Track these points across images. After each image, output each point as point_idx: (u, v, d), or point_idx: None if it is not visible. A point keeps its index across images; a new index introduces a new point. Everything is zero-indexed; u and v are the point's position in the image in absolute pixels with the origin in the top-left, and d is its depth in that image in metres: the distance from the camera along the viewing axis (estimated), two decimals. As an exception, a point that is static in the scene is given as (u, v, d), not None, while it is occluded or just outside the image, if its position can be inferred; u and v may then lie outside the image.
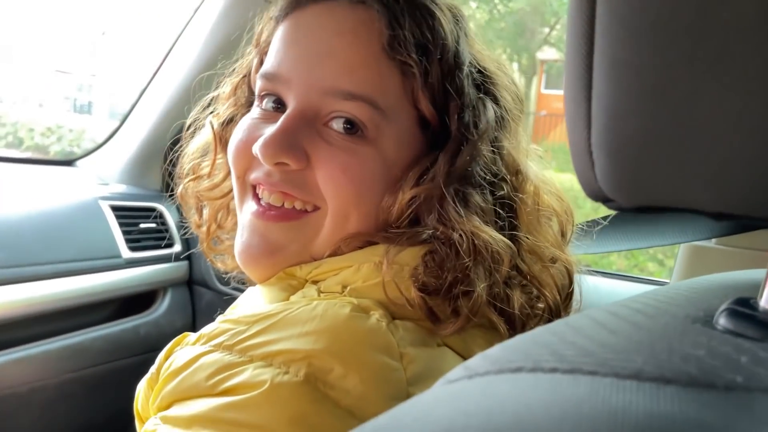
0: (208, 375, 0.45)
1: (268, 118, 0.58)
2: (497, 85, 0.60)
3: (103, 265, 1.37)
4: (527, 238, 0.57)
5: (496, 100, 0.59)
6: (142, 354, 1.47)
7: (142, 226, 1.50)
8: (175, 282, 1.54)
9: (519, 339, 0.31)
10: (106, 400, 1.46)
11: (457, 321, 0.50)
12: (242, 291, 1.48)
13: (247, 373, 0.43)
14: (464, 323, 0.51)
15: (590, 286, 0.67)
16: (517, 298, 0.54)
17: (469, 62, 0.58)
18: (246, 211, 0.60)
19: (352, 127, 0.55)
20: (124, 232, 1.45)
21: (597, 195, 0.33)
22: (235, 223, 0.64)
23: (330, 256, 0.57)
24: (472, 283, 0.51)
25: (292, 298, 0.53)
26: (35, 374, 1.26)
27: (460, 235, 0.52)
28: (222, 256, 0.71)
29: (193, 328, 1.56)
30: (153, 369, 0.52)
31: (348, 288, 0.51)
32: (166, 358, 0.51)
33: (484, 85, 0.59)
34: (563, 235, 0.62)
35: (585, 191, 0.34)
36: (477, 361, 0.29)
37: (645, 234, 0.83)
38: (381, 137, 0.55)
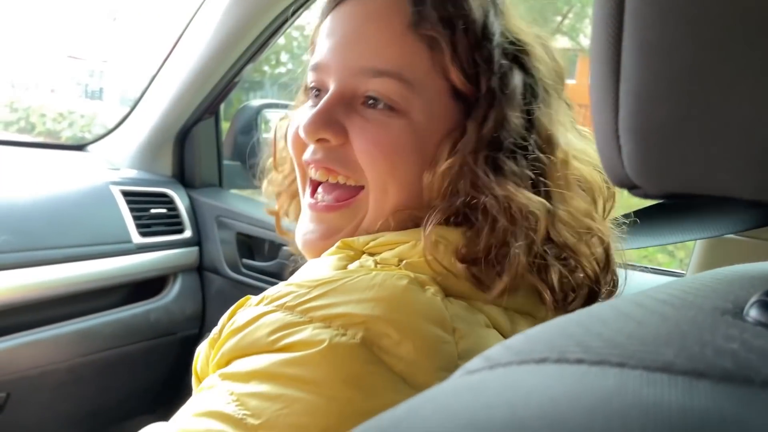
0: (269, 332, 0.46)
1: (315, 106, 0.62)
2: (530, 55, 0.61)
3: (114, 250, 1.37)
4: (559, 205, 0.57)
5: (526, 70, 0.60)
6: (152, 339, 1.47)
7: (153, 211, 1.50)
8: (185, 268, 1.54)
9: (542, 329, 0.30)
10: (116, 383, 1.47)
11: (501, 281, 0.52)
12: (253, 278, 1.48)
13: (307, 332, 0.45)
14: (509, 283, 0.52)
15: None
16: (555, 266, 0.55)
17: (501, 33, 0.59)
18: (305, 202, 0.65)
19: (383, 103, 0.58)
20: (135, 218, 1.44)
21: (623, 181, 0.32)
22: (300, 211, 0.68)
23: (382, 230, 0.59)
24: (509, 244, 0.53)
25: (350, 267, 0.54)
26: (46, 358, 1.27)
27: (494, 200, 0.54)
28: (291, 241, 0.74)
29: (204, 315, 1.57)
30: (215, 330, 0.54)
31: (404, 262, 0.53)
32: (230, 318, 0.52)
33: (517, 56, 0.60)
34: (602, 208, 0.62)
35: (609, 177, 0.33)
36: (498, 350, 0.28)
37: (661, 231, 0.82)
38: (412, 109, 0.58)
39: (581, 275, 0.57)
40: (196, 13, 1.46)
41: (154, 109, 1.57)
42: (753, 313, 0.28)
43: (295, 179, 0.70)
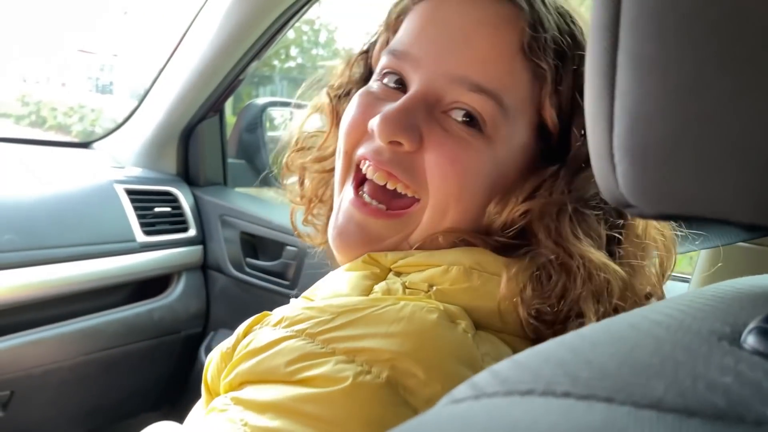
0: (288, 361, 0.43)
1: (387, 95, 0.57)
2: None
3: (118, 249, 1.37)
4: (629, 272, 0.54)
5: None
6: (155, 338, 1.47)
7: (157, 210, 1.50)
8: (189, 266, 1.54)
9: (531, 354, 0.29)
10: (120, 382, 1.47)
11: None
12: (256, 278, 1.48)
13: (329, 366, 0.42)
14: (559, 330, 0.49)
15: None
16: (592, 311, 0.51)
17: None
18: (345, 195, 0.59)
19: (471, 120, 0.53)
20: (139, 216, 1.44)
21: (618, 200, 0.31)
22: (332, 200, 0.63)
23: (420, 247, 0.56)
24: (582, 313, 0.49)
25: (376, 288, 0.51)
26: (50, 356, 1.27)
27: (577, 258, 0.50)
28: (312, 230, 0.71)
29: (207, 313, 1.57)
30: (229, 343, 0.50)
31: (434, 288, 0.49)
32: (245, 334, 0.49)
33: None
34: (662, 272, 0.59)
35: (605, 195, 0.32)
36: (485, 378, 0.28)
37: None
38: (498, 136, 0.54)
39: None
40: (200, 10, 1.45)
41: (159, 106, 1.57)
42: (750, 340, 0.27)
43: (328, 168, 0.66)
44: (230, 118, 1.72)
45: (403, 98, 0.54)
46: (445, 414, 0.25)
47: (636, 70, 0.29)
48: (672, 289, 1.03)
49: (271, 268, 1.47)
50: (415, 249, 0.55)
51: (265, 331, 0.47)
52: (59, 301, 1.28)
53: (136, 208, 1.44)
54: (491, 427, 0.23)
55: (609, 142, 0.30)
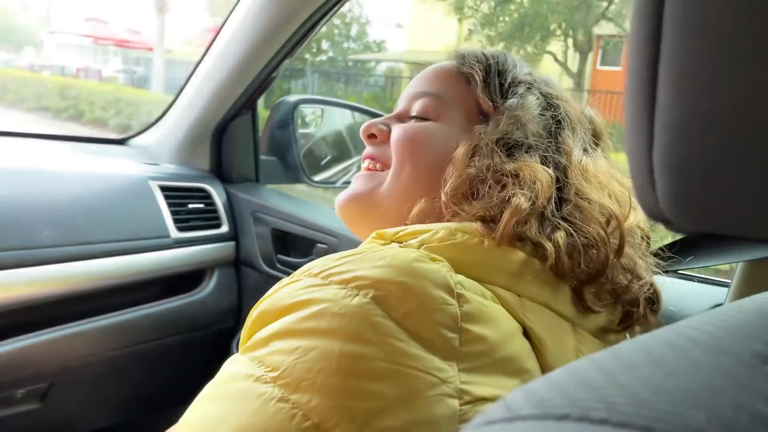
0: (293, 291, 0.53)
1: None
2: (558, 98, 0.73)
3: (153, 244, 1.39)
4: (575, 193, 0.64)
5: (549, 105, 0.71)
6: (188, 332, 1.50)
7: (191, 206, 1.52)
8: (222, 262, 1.56)
9: (565, 373, 0.29)
10: (155, 374, 1.50)
11: (503, 220, 0.59)
12: (287, 274, 1.49)
13: (324, 291, 0.51)
14: (510, 219, 0.59)
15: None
16: (560, 236, 0.60)
17: (530, 81, 0.73)
18: None
19: (421, 114, 0.74)
20: (173, 212, 1.46)
21: (657, 216, 0.31)
22: None
23: (418, 222, 0.66)
24: (514, 196, 0.61)
25: None
26: (87, 349, 1.30)
27: (504, 176, 0.63)
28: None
29: (239, 309, 1.58)
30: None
31: (424, 246, 0.59)
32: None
33: (536, 87, 0.73)
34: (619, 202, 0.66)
35: (644, 211, 0.32)
36: (519, 399, 0.27)
37: (701, 251, 0.79)
38: (442, 118, 0.72)
39: (593, 251, 0.60)
40: (233, 8, 1.46)
41: (193, 104, 1.59)
42: (795, 366, 0.26)
43: None
44: (263, 112, 1.73)
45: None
46: (479, 436, 0.25)
47: (677, 86, 0.28)
48: (708, 293, 1.01)
49: (302, 265, 1.48)
50: (413, 223, 0.66)
51: (280, 284, 0.56)
52: (96, 295, 1.31)
53: (170, 205, 1.47)
54: (525, 453, 0.23)
55: (649, 159, 0.30)
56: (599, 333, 0.64)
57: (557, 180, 0.64)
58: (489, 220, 0.61)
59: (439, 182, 0.67)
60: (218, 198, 1.58)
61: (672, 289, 0.71)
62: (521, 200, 0.59)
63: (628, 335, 0.66)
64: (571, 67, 11.67)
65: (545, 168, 0.63)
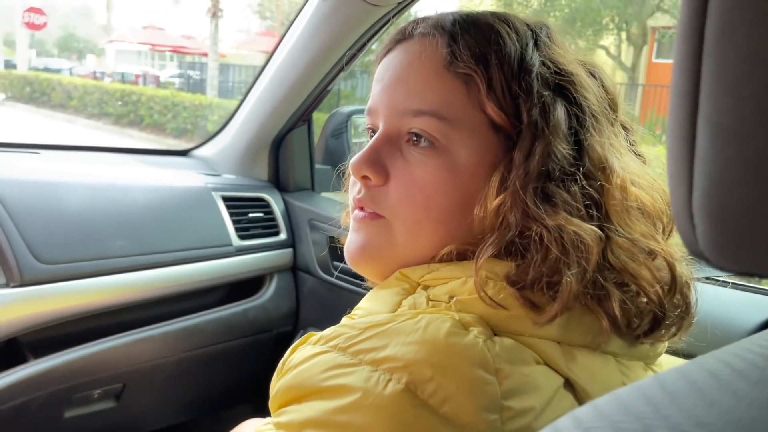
0: (322, 371, 0.50)
1: None
2: (576, 84, 0.62)
3: (216, 253, 1.47)
4: (617, 230, 0.57)
5: (571, 100, 0.61)
6: (250, 336, 1.56)
7: (251, 215, 1.58)
8: (280, 268, 1.62)
9: (610, 401, 0.31)
10: (219, 376, 1.57)
11: (553, 307, 0.53)
12: (343, 280, 1.53)
13: (356, 375, 0.48)
14: (560, 309, 0.53)
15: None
16: (615, 293, 0.55)
17: (542, 64, 0.61)
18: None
19: (424, 140, 0.61)
20: (234, 222, 1.53)
21: (699, 256, 0.33)
22: None
23: (444, 262, 0.61)
24: (561, 272, 0.53)
25: (404, 303, 0.58)
26: (156, 352, 1.38)
27: (545, 230, 0.55)
28: None
29: (297, 313, 1.64)
30: (281, 363, 0.57)
31: (454, 299, 0.55)
32: (291, 353, 0.56)
33: (561, 85, 0.61)
34: (663, 230, 0.62)
35: (687, 250, 0.34)
36: (567, 424, 0.30)
37: None
38: (451, 144, 0.60)
39: (644, 300, 0.57)
40: (291, 24, 1.51)
41: (252, 118, 1.65)
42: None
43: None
44: (322, 116, 1.77)
45: (371, 141, 0.64)
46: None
47: (715, 137, 0.30)
48: (757, 303, 0.99)
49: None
50: (440, 263, 0.61)
51: (305, 349, 0.54)
52: (164, 301, 1.39)
53: (231, 214, 1.53)
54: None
55: (689, 203, 0.32)
56: (638, 352, 0.61)
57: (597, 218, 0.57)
58: (526, 286, 0.54)
59: (463, 222, 0.60)
60: (276, 207, 1.65)
61: (716, 298, 0.69)
62: (572, 282, 0.53)
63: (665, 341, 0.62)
64: (625, 61, 11.37)
65: (591, 226, 0.55)
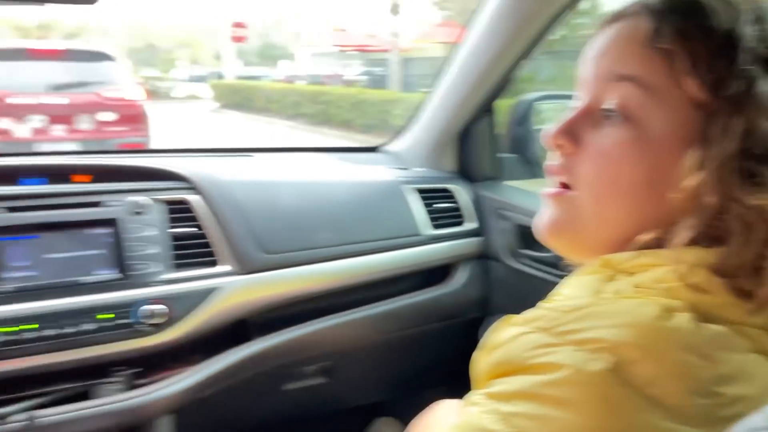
0: (526, 350, 0.52)
1: None
2: None
3: (410, 242, 1.56)
4: None
5: None
6: (442, 321, 1.64)
7: (440, 205, 1.65)
8: (470, 256, 1.67)
9: None
10: (412, 359, 1.68)
11: (764, 289, 0.52)
12: (531, 267, 1.55)
13: (561, 354, 0.49)
14: None
15: None
16: None
17: (755, 38, 0.58)
18: None
19: (619, 116, 0.61)
20: (426, 212, 1.61)
21: None
22: None
23: (648, 248, 0.60)
24: (766, 257, 0.52)
25: (606, 288, 0.58)
26: (359, 334, 1.51)
27: (748, 210, 0.53)
28: None
29: (487, 300, 1.68)
30: (483, 342, 0.61)
31: (661, 286, 0.54)
32: (493, 333, 0.59)
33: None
34: None
35: None
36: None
37: None
38: (646, 116, 0.59)
39: None
40: (473, 18, 1.55)
41: (438, 113, 1.72)
42: None
43: None
44: (503, 104, 1.78)
45: (572, 112, 0.66)
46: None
47: None
48: None
49: (545, 259, 1.52)
50: (640, 251, 0.59)
51: (508, 330, 0.56)
52: (364, 287, 1.51)
53: (422, 205, 1.62)
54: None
55: None
56: None
57: None
58: (733, 273, 0.53)
59: (650, 202, 0.60)
60: (465, 196, 1.70)
61: None
62: None
63: None
64: None
65: None
